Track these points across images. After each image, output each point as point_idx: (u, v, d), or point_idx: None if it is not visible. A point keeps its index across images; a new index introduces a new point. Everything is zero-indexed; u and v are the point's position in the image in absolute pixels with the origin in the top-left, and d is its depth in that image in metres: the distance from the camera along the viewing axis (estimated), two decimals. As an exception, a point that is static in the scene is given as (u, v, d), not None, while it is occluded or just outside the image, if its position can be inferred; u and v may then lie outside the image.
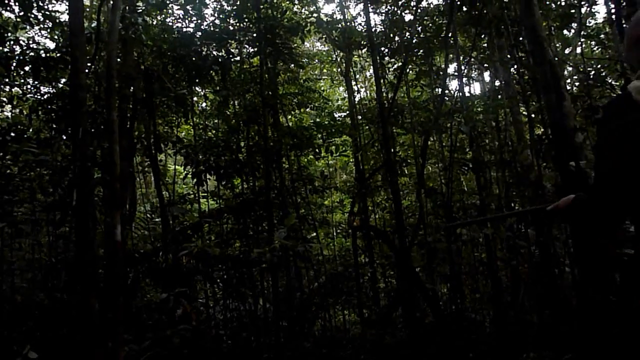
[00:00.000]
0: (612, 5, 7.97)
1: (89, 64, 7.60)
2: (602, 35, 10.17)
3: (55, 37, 9.37)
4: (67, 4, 8.30)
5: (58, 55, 8.33)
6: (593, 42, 10.63)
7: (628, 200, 1.77)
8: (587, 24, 10.44)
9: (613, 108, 1.86)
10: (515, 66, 8.99)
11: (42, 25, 8.96)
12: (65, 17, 8.92)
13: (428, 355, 7.55)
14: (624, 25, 7.99)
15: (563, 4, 9.09)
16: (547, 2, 8.83)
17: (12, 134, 7.31)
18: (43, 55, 8.37)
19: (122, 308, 4.67)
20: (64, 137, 8.47)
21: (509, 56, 9.36)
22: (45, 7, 8.66)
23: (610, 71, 9.02)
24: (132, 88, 8.91)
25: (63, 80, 9.07)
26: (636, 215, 1.80)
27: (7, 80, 8.63)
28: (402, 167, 10.29)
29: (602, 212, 1.87)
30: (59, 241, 8.39)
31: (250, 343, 8.53)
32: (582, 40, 10.28)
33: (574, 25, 9.13)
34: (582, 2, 9.69)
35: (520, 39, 8.25)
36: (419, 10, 9.65)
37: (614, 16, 7.98)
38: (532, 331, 7.57)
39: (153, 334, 6.04)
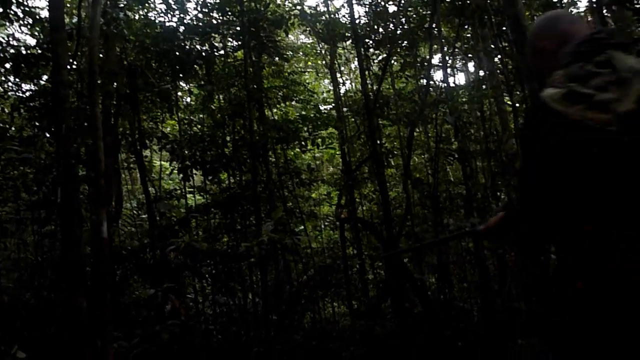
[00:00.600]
0: (594, -6, 8.03)
1: (70, 60, 7.51)
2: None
3: (36, 33, 9.25)
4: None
5: (39, 52, 8.23)
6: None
7: (548, 212, 1.77)
8: (570, 13, 10.50)
9: (531, 118, 1.87)
10: (499, 56, 9.03)
11: (22, 22, 8.83)
12: (45, 13, 8.80)
13: (417, 345, 7.60)
14: (605, 13, 8.05)
15: (545, -7, 9.12)
16: (530, -8, 8.86)
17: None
18: (24, 52, 8.28)
19: (110, 306, 4.65)
20: (47, 135, 8.38)
21: (492, 46, 9.40)
22: (25, 3, 8.54)
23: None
24: (115, 84, 8.82)
25: (45, 77, 8.97)
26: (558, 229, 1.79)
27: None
28: (389, 158, 10.30)
29: (529, 226, 1.89)
30: (44, 240, 8.32)
31: (239, 337, 8.53)
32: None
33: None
34: (564, -9, 9.74)
35: (504, 28, 8.28)
36: (402, 2, 9.63)
37: (595, 4, 8.04)
38: (520, 319, 7.64)
39: (142, 331, 6.02)
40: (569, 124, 1.66)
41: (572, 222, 1.70)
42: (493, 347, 7.14)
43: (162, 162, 11.50)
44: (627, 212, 1.58)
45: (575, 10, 10.94)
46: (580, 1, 15.68)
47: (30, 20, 8.84)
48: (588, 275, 1.63)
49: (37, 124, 8.48)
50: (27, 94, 8.84)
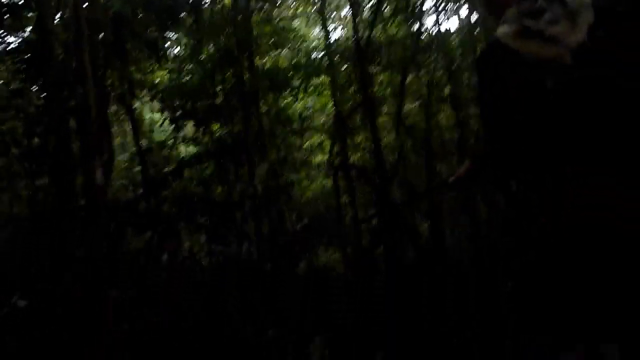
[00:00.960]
0: None
1: (55, 11, 7.32)
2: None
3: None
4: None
5: (23, 1, 8.01)
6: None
7: (510, 151, 1.79)
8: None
9: (485, 56, 1.87)
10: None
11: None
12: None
13: (410, 291, 7.75)
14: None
15: None
16: None
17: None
18: (5, 1, 8.05)
19: (107, 253, 4.69)
20: (35, 88, 8.25)
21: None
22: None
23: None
24: (101, 35, 8.63)
25: (29, 29, 8.75)
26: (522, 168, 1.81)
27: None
28: (381, 105, 10.25)
29: (494, 165, 1.91)
30: (38, 193, 8.31)
31: (236, 285, 8.66)
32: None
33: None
34: None
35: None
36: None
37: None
38: (509, 264, 7.75)
39: (138, 279, 6.10)
40: (522, 60, 1.67)
41: (532, 161, 1.72)
42: (483, 291, 7.29)
43: (153, 114, 11.39)
44: (578, 148, 1.61)
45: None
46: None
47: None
48: (549, 212, 1.66)
49: (23, 77, 8.33)
50: (12, 46, 8.65)
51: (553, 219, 1.66)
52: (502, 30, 1.73)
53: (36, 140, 7.55)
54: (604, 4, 1.63)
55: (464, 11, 11.04)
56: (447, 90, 9.13)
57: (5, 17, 7.54)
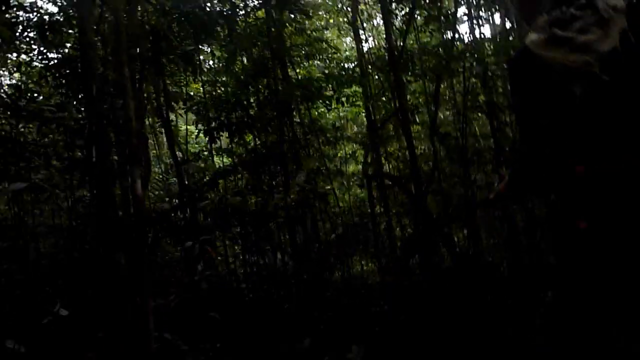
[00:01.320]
0: None
1: (94, 27, 7.52)
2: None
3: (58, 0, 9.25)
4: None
5: (63, 17, 8.26)
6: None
7: (544, 154, 1.78)
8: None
9: (515, 63, 1.87)
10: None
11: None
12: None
13: (446, 299, 7.65)
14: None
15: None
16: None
17: (25, 99, 7.32)
18: (47, 18, 8.30)
19: (147, 262, 4.77)
20: (75, 102, 8.47)
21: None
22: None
23: None
24: (138, 48, 8.83)
25: (69, 45, 9.01)
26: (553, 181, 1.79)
27: (13, 46, 8.60)
28: (414, 114, 10.22)
29: (529, 171, 1.90)
30: (78, 204, 8.50)
31: (271, 295, 8.69)
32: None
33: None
34: None
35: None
36: (425, -48, 9.37)
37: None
38: (549, 272, 7.62)
39: (176, 289, 6.17)
40: (552, 68, 1.67)
41: (565, 163, 1.71)
42: (521, 299, 7.16)
43: (188, 126, 11.57)
44: (608, 150, 1.60)
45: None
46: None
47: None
48: (590, 215, 1.64)
49: (63, 91, 8.57)
50: (53, 62, 8.90)
51: (598, 222, 1.64)
52: (532, 38, 1.75)
53: (77, 152, 7.74)
54: (637, 8, 1.62)
55: (497, 18, 10.94)
56: (481, 98, 9.04)
57: (47, 34, 7.77)
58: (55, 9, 9.29)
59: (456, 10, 9.25)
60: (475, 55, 8.27)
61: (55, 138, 8.16)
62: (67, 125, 7.56)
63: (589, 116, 1.63)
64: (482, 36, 10.81)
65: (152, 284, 6.00)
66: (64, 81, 8.39)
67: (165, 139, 10.37)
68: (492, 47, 9.41)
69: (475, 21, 10.34)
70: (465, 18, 10.43)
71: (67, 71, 8.28)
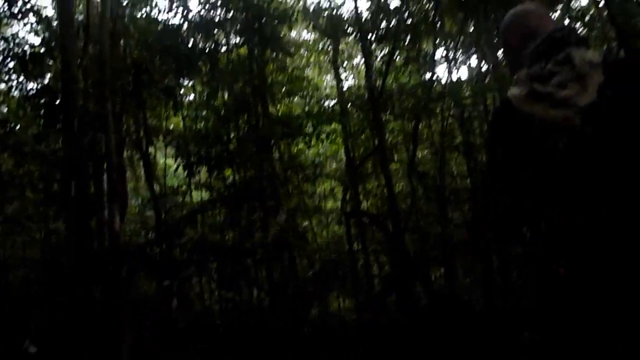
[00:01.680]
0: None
1: (78, 60, 7.51)
2: (587, 17, 10.24)
3: (40, 32, 9.25)
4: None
5: (44, 49, 8.24)
6: (579, 24, 10.72)
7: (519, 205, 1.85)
8: (572, 6, 10.52)
9: (496, 116, 1.95)
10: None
11: (26, 20, 8.83)
12: (50, 12, 8.80)
13: (423, 338, 7.62)
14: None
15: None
16: (533, -15, 8.87)
17: (3, 130, 7.23)
18: (29, 50, 8.28)
19: (124, 297, 4.68)
20: (54, 133, 8.37)
21: (496, 40, 9.41)
22: (29, 1, 8.53)
23: (596, 51, 9.09)
24: (120, 81, 8.83)
25: (49, 75, 8.98)
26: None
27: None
28: (393, 153, 10.34)
29: (504, 218, 1.98)
30: (51, 236, 8.34)
31: (247, 331, 8.55)
32: (568, 21, 10.36)
33: (560, 7, 9.20)
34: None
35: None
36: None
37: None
38: (525, 311, 7.65)
39: (152, 323, 6.05)
40: (533, 122, 1.73)
41: (543, 213, 1.76)
42: (498, 339, 7.17)
43: (167, 160, 11.52)
44: (589, 200, 1.65)
45: (578, 3, 10.94)
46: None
47: (34, 19, 8.83)
48: (569, 262, 1.68)
49: (43, 122, 8.47)
50: (32, 92, 8.83)
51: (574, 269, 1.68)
52: (513, 92, 1.81)
53: (55, 184, 7.62)
54: (614, 62, 1.69)
55: (474, 61, 11.24)
56: (459, 139, 9.20)
57: (28, 66, 7.72)
58: (37, 41, 9.30)
59: (434, 52, 9.48)
60: (453, 97, 8.45)
61: (31, 169, 8.04)
62: (44, 156, 7.48)
63: (570, 169, 1.68)
64: (459, 78, 11.07)
65: (128, 318, 5.88)
66: (42, 111, 8.31)
67: (143, 172, 10.31)
68: (469, 88, 9.64)
69: (452, 63, 10.59)
70: (443, 60, 10.68)
71: (48, 99, 8.21)
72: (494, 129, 1.94)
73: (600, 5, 9.46)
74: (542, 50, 1.85)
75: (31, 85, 9.19)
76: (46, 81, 8.95)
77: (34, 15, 8.66)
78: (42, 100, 8.32)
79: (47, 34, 8.70)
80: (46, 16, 8.83)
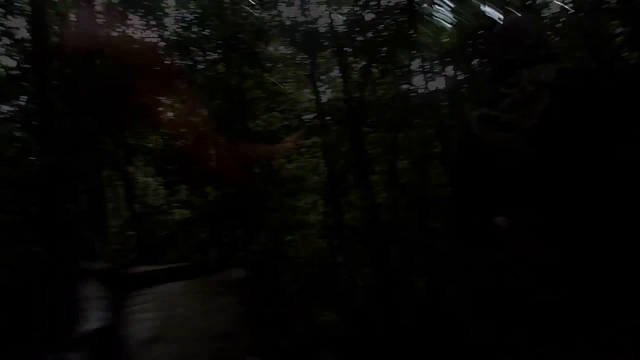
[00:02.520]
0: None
1: (54, 82, 7.43)
2: (558, 25, 10.41)
3: (14, 55, 9.13)
4: (26, 19, 8.12)
5: (19, 73, 8.15)
6: (548, 32, 10.88)
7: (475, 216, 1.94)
8: (542, 15, 10.69)
9: (461, 136, 2.06)
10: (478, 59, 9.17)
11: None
12: (24, 34, 8.70)
13: (408, 351, 7.62)
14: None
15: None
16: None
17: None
18: (3, 72, 8.20)
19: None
20: (30, 155, 8.26)
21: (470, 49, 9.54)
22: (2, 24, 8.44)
23: (568, 59, 9.27)
24: (97, 101, 8.76)
25: (23, 97, 8.87)
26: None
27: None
28: (373, 164, 10.37)
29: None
30: (24, 260, 8.18)
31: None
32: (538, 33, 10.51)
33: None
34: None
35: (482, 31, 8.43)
36: (379, 9, 9.74)
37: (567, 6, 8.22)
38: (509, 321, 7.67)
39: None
40: (482, 144, 1.83)
41: (490, 223, 1.85)
42: (482, 351, 7.17)
43: (146, 178, 11.42)
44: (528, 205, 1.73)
45: (549, 13, 11.12)
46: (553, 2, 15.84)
47: (9, 42, 8.72)
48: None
49: (17, 145, 8.37)
50: (5, 115, 8.72)
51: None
52: (473, 114, 1.91)
53: (32, 207, 7.50)
54: (563, 83, 1.75)
55: (450, 71, 11.35)
56: (437, 148, 9.28)
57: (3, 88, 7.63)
58: (13, 63, 9.19)
59: (410, 64, 9.57)
60: (430, 107, 8.53)
61: (5, 192, 7.90)
62: (17, 179, 7.37)
63: (511, 188, 1.76)
64: (436, 88, 11.18)
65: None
66: (17, 134, 8.22)
67: (123, 191, 10.20)
68: (445, 99, 9.75)
69: (429, 74, 10.70)
70: (420, 70, 10.77)
71: (23, 122, 8.13)
72: (460, 147, 2.04)
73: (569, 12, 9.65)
74: (498, 74, 1.94)
75: (6, 107, 9.10)
76: (21, 103, 8.85)
77: (6, 37, 8.59)
78: (17, 124, 8.26)
79: (21, 56, 8.60)
80: (21, 38, 8.74)
